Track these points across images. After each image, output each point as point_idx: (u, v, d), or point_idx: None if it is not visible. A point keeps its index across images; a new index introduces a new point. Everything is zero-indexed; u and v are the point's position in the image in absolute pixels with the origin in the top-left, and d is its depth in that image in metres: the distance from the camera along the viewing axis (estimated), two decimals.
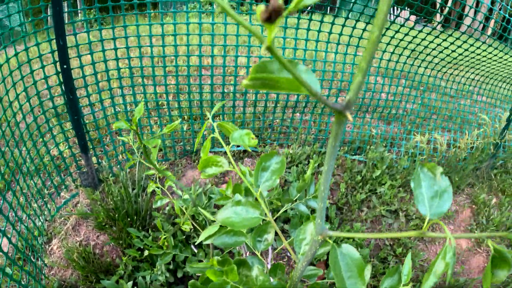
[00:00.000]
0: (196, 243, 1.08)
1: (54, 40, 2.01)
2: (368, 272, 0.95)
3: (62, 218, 2.43)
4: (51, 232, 2.36)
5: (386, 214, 2.64)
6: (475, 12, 2.62)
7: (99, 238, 2.34)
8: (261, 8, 0.23)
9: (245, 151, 2.97)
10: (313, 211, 2.15)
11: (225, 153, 2.92)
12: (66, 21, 2.01)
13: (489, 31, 2.83)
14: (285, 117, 3.21)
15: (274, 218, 1.47)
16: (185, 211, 1.52)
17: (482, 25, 2.77)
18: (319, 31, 2.56)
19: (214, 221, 0.90)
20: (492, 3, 2.85)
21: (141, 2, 2.26)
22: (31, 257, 2.04)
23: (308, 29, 2.52)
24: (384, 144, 3.31)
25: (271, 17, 0.23)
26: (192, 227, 1.42)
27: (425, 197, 0.54)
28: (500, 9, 2.69)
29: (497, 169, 3.71)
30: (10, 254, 1.73)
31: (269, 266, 1.34)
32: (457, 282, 2.46)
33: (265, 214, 0.82)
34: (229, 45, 2.42)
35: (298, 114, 3.22)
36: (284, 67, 0.29)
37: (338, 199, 2.60)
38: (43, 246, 2.28)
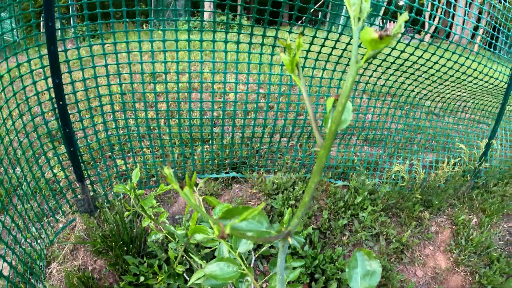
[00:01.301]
0: (188, 285, 1.22)
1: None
2: None
3: (60, 243, 2.57)
4: (49, 256, 2.49)
5: (367, 238, 2.80)
6: (463, 23, 2.75)
7: (97, 262, 2.47)
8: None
9: (233, 177, 3.12)
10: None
11: (215, 179, 3.07)
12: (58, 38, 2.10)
13: (477, 46, 2.95)
14: (273, 142, 3.35)
15: (257, 255, 1.62)
16: (178, 248, 1.67)
17: (471, 35, 2.88)
18: (310, 43, 2.55)
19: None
20: (479, 13, 2.99)
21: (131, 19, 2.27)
22: (33, 281, 2.17)
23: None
24: (367, 168, 3.47)
25: (223, 237, 0.38)
26: (184, 269, 1.58)
27: (358, 275, 0.70)
28: (486, 23, 2.83)
29: (479, 188, 3.86)
30: (10, 277, 1.86)
31: None
32: None
33: (243, 268, 0.98)
34: (218, 61, 2.48)
35: (284, 138, 3.38)
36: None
37: (321, 224, 2.75)
38: (43, 269, 2.41)
